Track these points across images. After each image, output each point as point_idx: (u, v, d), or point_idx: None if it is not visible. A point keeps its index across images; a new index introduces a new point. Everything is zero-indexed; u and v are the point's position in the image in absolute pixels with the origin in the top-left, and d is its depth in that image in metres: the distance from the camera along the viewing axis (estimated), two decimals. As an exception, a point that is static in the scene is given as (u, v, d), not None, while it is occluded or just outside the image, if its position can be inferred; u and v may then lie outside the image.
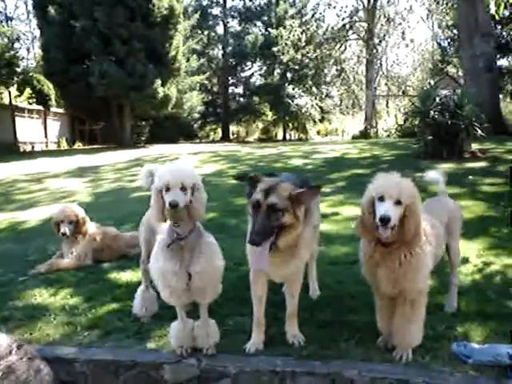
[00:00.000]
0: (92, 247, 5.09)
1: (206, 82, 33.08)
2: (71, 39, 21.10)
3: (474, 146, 11.34)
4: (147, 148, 21.21)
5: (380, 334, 3.08)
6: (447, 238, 3.38)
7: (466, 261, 4.39)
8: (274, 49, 31.84)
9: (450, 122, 10.44)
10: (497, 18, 6.05)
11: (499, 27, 26.48)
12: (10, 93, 22.52)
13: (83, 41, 20.78)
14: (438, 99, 11.00)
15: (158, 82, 21.51)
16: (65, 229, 4.96)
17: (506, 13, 25.58)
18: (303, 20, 34.17)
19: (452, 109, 10.65)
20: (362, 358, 2.90)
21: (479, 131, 10.81)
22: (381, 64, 36.20)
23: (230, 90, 37.66)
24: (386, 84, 37.85)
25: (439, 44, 36.04)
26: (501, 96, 24.53)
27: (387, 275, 2.84)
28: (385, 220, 2.62)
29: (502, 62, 26.97)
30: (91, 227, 5.20)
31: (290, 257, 2.93)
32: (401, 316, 2.90)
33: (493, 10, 5.68)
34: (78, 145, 25.98)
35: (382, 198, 2.69)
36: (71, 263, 4.93)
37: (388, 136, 23.18)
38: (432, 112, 10.68)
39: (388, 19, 33.84)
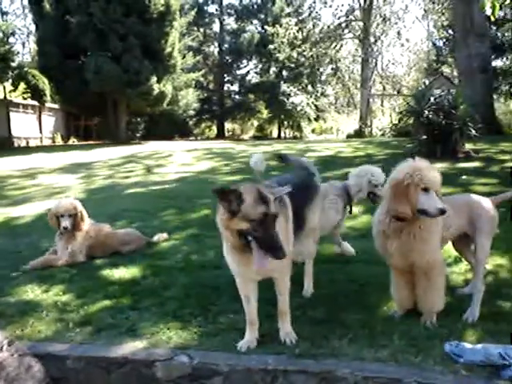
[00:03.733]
0: (87, 244, 5.07)
1: (202, 79, 33.05)
2: (67, 34, 21.02)
3: (468, 146, 11.37)
4: (142, 145, 21.18)
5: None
6: (472, 232, 3.55)
7: (458, 260, 4.40)
8: (270, 47, 31.86)
9: (444, 122, 10.47)
10: (492, 19, 6.04)
11: (494, 28, 26.60)
12: (4, 88, 22.37)
13: (79, 36, 20.71)
14: (432, 99, 11.02)
15: (154, 78, 21.47)
16: (66, 222, 4.90)
17: (501, 14, 25.73)
18: (299, 18, 34.16)
19: (446, 109, 10.68)
20: (354, 357, 2.89)
21: (473, 131, 10.84)
22: (376, 63, 36.32)
23: (225, 88, 37.66)
24: (381, 83, 37.93)
25: (434, 44, 36.14)
26: (495, 96, 24.64)
27: (400, 248, 3.19)
28: (444, 212, 3.02)
29: (497, 63, 27.08)
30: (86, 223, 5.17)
31: None
32: (420, 287, 3.30)
33: (488, 12, 5.65)
34: (73, 140, 25.89)
35: (427, 190, 3.03)
36: (64, 260, 4.90)
37: (383, 135, 23.20)
38: (426, 112, 10.71)
39: (384, 19, 33.88)
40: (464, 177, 8.23)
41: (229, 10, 37.28)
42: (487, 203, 3.66)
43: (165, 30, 22.25)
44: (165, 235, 5.60)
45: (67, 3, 20.68)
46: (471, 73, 16.47)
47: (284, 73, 35.64)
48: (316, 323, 3.30)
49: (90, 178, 10.57)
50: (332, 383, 2.77)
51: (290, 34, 30.46)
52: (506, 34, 26.87)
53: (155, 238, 5.50)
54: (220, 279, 4.14)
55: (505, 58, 27.82)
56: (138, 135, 29.02)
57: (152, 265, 4.71)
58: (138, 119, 29.50)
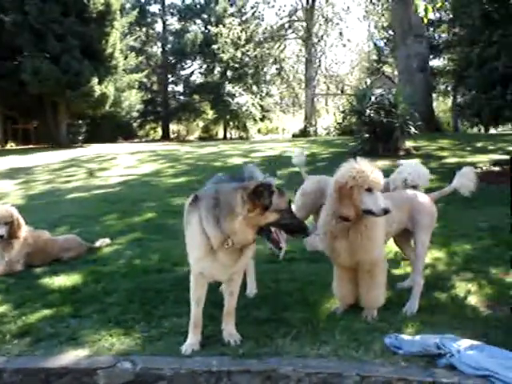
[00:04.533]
0: (25, 252, 4.88)
1: (145, 80, 32.54)
2: (1, 34, 20.18)
3: (409, 144, 11.74)
4: (84, 148, 20.60)
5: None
6: (412, 228, 3.70)
7: (399, 255, 4.54)
8: (214, 47, 31.65)
9: (385, 121, 10.77)
10: (425, 21, 6.28)
11: (432, 29, 27.63)
12: None
13: (14, 36, 19.92)
14: (373, 98, 11.29)
15: (95, 79, 20.92)
16: (1, 230, 4.70)
17: (438, 16, 26.75)
18: (243, 18, 34.24)
19: (387, 107, 10.98)
20: (297, 354, 2.93)
21: (413, 129, 11.22)
22: (320, 63, 36.82)
23: (169, 89, 37.18)
24: (324, 83, 38.49)
25: (375, 44, 37.12)
26: (434, 95, 25.57)
27: (348, 247, 3.30)
28: (388, 212, 3.12)
29: (435, 63, 28.11)
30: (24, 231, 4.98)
31: (241, 254, 2.97)
32: (363, 284, 3.42)
33: (421, 14, 5.88)
34: (11, 145, 24.86)
35: (371, 190, 3.13)
36: (1, 269, 4.71)
37: (328, 134, 23.60)
38: (368, 111, 10.97)
39: (326, 19, 34.44)
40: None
41: (171, 10, 36.84)
42: (426, 199, 3.80)
43: (105, 29, 21.74)
44: (107, 240, 5.49)
45: (1, 1, 19.87)
46: (410, 72, 17.02)
47: (228, 73, 35.61)
48: (260, 323, 3.33)
49: (29, 183, 10.21)
50: (276, 381, 2.79)
51: (233, 34, 30.45)
52: (443, 35, 27.95)
53: (97, 244, 5.38)
54: (163, 283, 4.10)
55: (442, 58, 28.93)
56: (80, 138, 28.23)
57: (94, 271, 4.60)
58: (80, 122, 28.69)
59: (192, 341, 3.08)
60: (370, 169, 3.18)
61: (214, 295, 3.66)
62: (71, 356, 3.07)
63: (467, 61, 9.18)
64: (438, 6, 8.44)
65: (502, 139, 13.21)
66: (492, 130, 16.89)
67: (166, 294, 3.90)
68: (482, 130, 11.21)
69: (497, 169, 9.11)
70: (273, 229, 2.84)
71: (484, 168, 9.03)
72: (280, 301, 3.66)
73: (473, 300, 3.64)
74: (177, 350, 3.05)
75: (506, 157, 10.13)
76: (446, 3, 10.38)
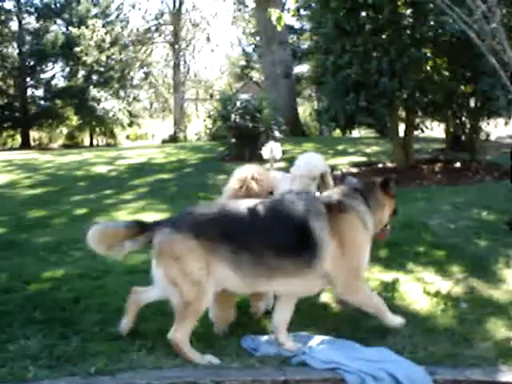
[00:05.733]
0: None
1: (1, 83, 30.11)
2: None
3: (275, 148, 12.11)
4: None
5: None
6: None
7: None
8: (77, 49, 30.19)
9: (250, 125, 11.04)
10: (279, 28, 6.57)
11: (295, 37, 28.97)
12: None
13: None
14: (238, 103, 11.53)
15: None
16: None
17: (300, 24, 28.08)
18: (107, 20, 33.17)
19: (252, 112, 11.28)
20: (153, 367, 2.87)
21: (277, 133, 11.64)
22: (189, 68, 36.87)
23: (28, 93, 34.72)
24: (193, 88, 38.63)
25: (244, 50, 38.06)
26: (300, 100, 26.79)
27: None
28: None
29: (301, 69, 29.45)
30: None
31: None
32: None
33: (274, 22, 6.14)
34: None
35: None
36: None
37: (198, 139, 23.65)
38: (233, 115, 11.18)
39: (193, 24, 34.59)
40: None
41: (28, 8, 34.42)
42: None
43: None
44: None
45: None
46: (275, 78, 17.67)
47: (94, 77, 34.13)
48: (115, 338, 3.20)
49: None
50: (129, 396, 2.71)
51: (97, 36, 29.38)
52: (307, 43, 29.42)
53: None
54: (11, 304, 3.79)
55: (305, 64, 30.42)
56: None
57: None
58: None
59: None
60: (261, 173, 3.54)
61: (69, 313, 3.49)
62: None
63: (324, 68, 9.69)
64: (290, 14, 8.92)
65: (361, 142, 14.21)
66: (356, 134, 17.99)
67: (14, 315, 3.60)
68: (348, 134, 12.06)
69: (355, 170, 9.75)
70: None
71: (344, 170, 9.61)
72: (138, 312, 3.54)
73: (325, 297, 3.81)
74: (22, 375, 2.82)
75: (364, 159, 10.91)
76: (306, 12, 10.94)
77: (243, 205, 3.05)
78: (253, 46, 35.50)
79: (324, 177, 4.01)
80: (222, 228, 2.94)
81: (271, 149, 4.51)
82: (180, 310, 2.94)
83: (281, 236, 2.97)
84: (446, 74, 9.41)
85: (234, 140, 11.34)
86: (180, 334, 2.94)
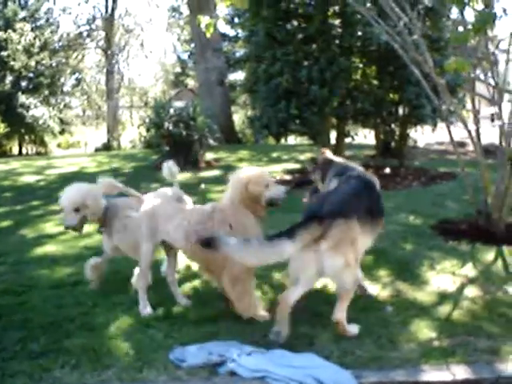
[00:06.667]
0: None
1: None
2: None
3: (210, 156, 12.09)
4: None
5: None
6: None
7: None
8: (4, 54, 28.91)
9: (184, 133, 10.93)
10: (208, 36, 6.60)
11: (229, 45, 29.06)
12: None
13: None
14: (172, 111, 11.40)
15: None
16: None
17: (235, 32, 28.22)
18: (37, 24, 32.01)
19: (186, 120, 11.17)
20: (77, 383, 2.78)
21: (211, 141, 11.59)
22: (123, 74, 36.20)
23: (-50, 99, 32.90)
24: (128, 95, 37.94)
25: (179, 57, 37.81)
26: (234, 108, 26.86)
27: None
28: None
29: (236, 76, 29.57)
30: None
31: None
32: None
33: (203, 29, 6.16)
34: None
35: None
36: None
37: (133, 147, 23.24)
38: (167, 123, 11.04)
39: (127, 30, 34.03)
40: (203, 186, 8.64)
41: None
42: None
43: None
44: None
45: None
46: (209, 85, 17.62)
47: (22, 83, 32.75)
48: (36, 355, 3.07)
49: None
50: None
51: (25, 40, 28.31)
52: (241, 51, 29.59)
53: None
54: None
55: (239, 72, 30.58)
56: None
57: None
58: None
59: None
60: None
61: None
62: None
63: (256, 76, 9.77)
64: (219, 21, 8.96)
65: (295, 149, 14.40)
66: (291, 141, 18.19)
67: None
68: (284, 141, 12.21)
69: (288, 177, 9.83)
70: None
71: (277, 177, 9.68)
72: (61, 328, 3.41)
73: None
74: None
75: (297, 165, 11.05)
76: (239, 20, 11.04)
77: (348, 186, 3.56)
78: (188, 53, 35.35)
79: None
80: (362, 207, 3.43)
81: (169, 168, 4.52)
82: (350, 290, 3.28)
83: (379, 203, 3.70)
84: (375, 82, 9.72)
85: (167, 148, 11.21)
86: (343, 313, 3.25)
